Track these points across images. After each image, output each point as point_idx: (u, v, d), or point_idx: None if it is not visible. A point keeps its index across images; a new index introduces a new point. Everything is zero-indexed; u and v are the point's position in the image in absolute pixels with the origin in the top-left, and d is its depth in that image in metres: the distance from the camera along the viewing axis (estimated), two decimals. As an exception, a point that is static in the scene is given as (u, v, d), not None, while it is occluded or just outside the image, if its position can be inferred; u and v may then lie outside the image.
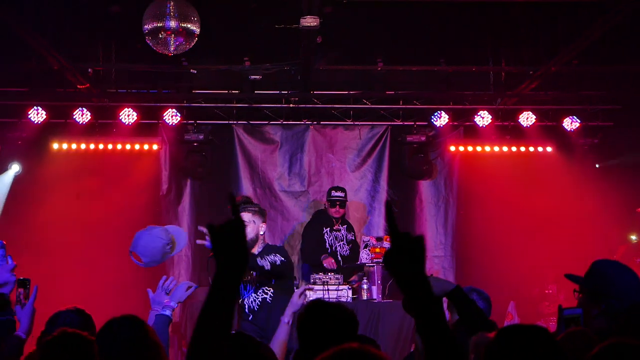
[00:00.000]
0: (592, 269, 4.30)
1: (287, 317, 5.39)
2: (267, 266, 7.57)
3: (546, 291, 12.31)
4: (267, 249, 7.90)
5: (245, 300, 7.39)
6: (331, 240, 11.39)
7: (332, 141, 12.92)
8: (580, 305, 4.21)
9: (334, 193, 11.52)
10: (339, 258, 11.26)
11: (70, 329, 3.61)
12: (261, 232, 7.51)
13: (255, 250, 7.51)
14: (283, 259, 7.90)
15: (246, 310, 7.36)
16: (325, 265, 10.70)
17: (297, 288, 9.54)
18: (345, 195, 11.60)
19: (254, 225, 7.48)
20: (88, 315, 4.61)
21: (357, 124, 12.84)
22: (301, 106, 12.51)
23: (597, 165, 12.88)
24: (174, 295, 5.95)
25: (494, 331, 3.78)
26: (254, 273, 7.61)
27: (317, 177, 12.83)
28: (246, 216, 7.47)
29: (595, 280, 4.24)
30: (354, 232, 11.70)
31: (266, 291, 7.42)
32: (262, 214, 7.66)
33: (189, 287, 6.14)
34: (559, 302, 11.63)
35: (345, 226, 11.58)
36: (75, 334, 3.55)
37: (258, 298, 7.42)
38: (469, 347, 3.79)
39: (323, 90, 12.07)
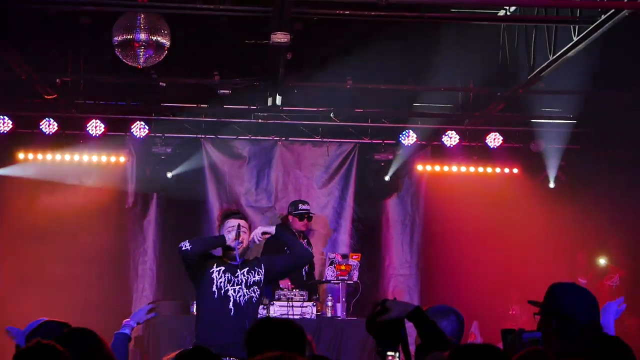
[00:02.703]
0: (549, 291, 4.41)
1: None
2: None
3: (510, 312, 12.37)
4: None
5: (231, 292, 7.27)
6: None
7: (300, 157, 12.94)
8: (539, 327, 4.31)
9: (301, 206, 11.50)
10: (303, 274, 11.23)
11: (45, 340, 3.60)
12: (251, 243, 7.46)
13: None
14: None
15: (230, 303, 7.24)
16: (280, 284, 10.57)
17: (264, 304, 9.58)
18: (310, 208, 11.62)
19: (247, 235, 7.42)
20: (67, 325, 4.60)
21: (326, 141, 12.86)
22: (270, 122, 12.51)
23: (551, 186, 12.94)
24: (135, 315, 6.11)
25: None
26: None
27: (284, 192, 12.82)
28: (245, 223, 7.41)
29: (551, 302, 4.34)
30: (312, 246, 11.71)
31: (255, 291, 7.35)
32: (250, 228, 7.62)
33: (150, 311, 6.22)
34: (522, 322, 11.69)
35: (305, 241, 11.58)
36: (49, 345, 3.54)
37: (247, 295, 7.34)
38: None
39: (292, 106, 12.08)
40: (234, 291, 7.20)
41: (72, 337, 3.90)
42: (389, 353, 3.55)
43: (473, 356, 2.97)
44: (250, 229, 7.47)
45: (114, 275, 12.34)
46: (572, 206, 12.19)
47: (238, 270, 7.22)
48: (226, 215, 7.45)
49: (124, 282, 12.49)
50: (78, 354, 3.71)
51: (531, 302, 4.45)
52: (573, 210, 12.15)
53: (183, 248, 7.09)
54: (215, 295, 7.14)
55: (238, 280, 7.21)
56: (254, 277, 7.29)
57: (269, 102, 11.64)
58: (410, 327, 3.80)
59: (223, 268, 7.18)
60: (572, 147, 12.69)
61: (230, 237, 7.17)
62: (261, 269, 7.31)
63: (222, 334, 7.00)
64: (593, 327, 4.20)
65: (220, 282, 7.20)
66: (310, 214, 11.53)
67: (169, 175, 12.46)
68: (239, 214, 7.55)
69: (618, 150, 12.16)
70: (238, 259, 7.22)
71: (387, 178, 12.80)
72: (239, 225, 7.23)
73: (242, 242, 7.24)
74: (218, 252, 7.30)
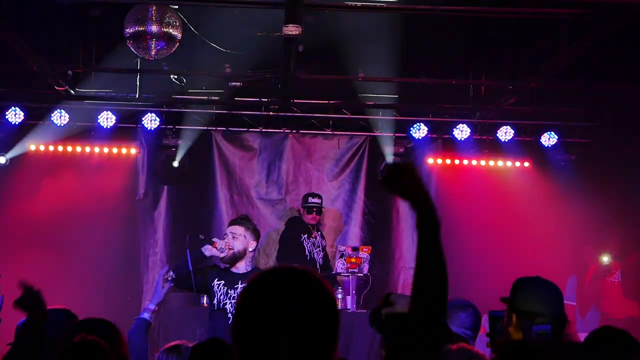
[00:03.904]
0: (512, 286, 4.43)
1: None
2: None
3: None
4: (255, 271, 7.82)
5: (229, 306, 7.32)
6: (309, 247, 11.40)
7: (311, 150, 12.94)
8: (505, 324, 4.33)
9: (310, 199, 11.54)
10: (317, 266, 11.28)
11: (89, 335, 3.60)
12: (250, 249, 7.46)
13: (242, 265, 7.44)
14: None
15: (229, 317, 7.29)
16: None
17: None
18: (322, 201, 11.64)
19: (243, 240, 7.44)
20: (74, 316, 4.62)
21: (336, 134, 12.86)
22: (281, 114, 12.50)
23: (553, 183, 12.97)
24: (153, 297, 6.04)
25: (456, 344, 3.83)
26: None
27: (295, 185, 12.83)
28: (239, 229, 7.45)
29: (512, 297, 4.37)
30: (325, 239, 11.76)
31: None
32: (255, 233, 7.60)
33: (164, 285, 6.18)
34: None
35: (319, 233, 11.62)
36: (95, 342, 3.56)
37: None
38: None
39: (303, 99, 12.07)
40: (232, 306, 7.25)
41: (90, 327, 3.90)
42: None
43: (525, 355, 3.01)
44: (252, 231, 7.51)
45: (125, 266, 12.38)
46: (583, 200, 12.15)
47: (240, 282, 7.27)
48: (231, 221, 7.64)
49: (134, 273, 12.52)
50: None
51: (503, 299, 4.47)
52: (583, 204, 12.11)
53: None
54: (215, 308, 7.27)
55: (236, 294, 7.26)
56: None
57: (280, 95, 11.63)
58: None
59: (223, 282, 7.27)
60: (583, 141, 12.66)
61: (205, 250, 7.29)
62: None
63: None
64: (554, 321, 4.21)
65: (220, 296, 7.28)
66: (321, 208, 11.56)
67: (175, 164, 12.41)
68: (240, 220, 7.60)
69: (630, 145, 12.11)
70: (222, 265, 7.33)
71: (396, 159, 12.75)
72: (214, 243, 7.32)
73: (218, 249, 7.32)
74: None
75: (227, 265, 7.41)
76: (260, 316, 2.30)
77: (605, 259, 12.40)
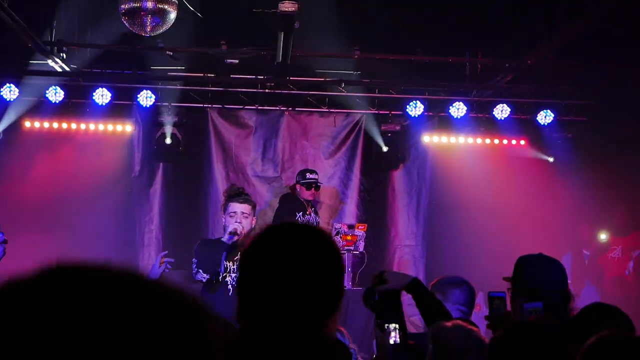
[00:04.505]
0: (515, 264, 4.47)
1: None
2: None
3: (515, 283, 12.37)
4: None
5: (229, 278, 7.33)
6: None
7: (307, 128, 12.92)
8: (511, 302, 4.36)
9: (309, 175, 11.53)
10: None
11: None
12: (253, 225, 7.48)
13: (225, 237, 7.45)
14: None
15: (229, 288, 7.31)
16: None
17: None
18: (318, 178, 11.66)
19: (250, 219, 7.45)
20: None
21: (332, 112, 12.84)
22: (276, 92, 12.47)
23: (550, 159, 13.00)
24: (149, 275, 6.00)
25: (450, 321, 3.84)
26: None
27: (291, 163, 12.82)
28: (247, 208, 7.43)
29: (516, 275, 4.40)
30: (319, 216, 11.77)
31: None
32: (255, 208, 7.64)
33: (161, 263, 6.15)
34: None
35: (313, 209, 11.63)
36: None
37: None
38: (428, 337, 3.83)
39: (299, 76, 12.04)
40: (232, 279, 7.27)
41: None
42: (389, 325, 3.54)
43: (528, 329, 3.02)
44: (254, 208, 7.52)
45: (121, 243, 12.36)
46: (578, 178, 12.17)
47: (239, 255, 7.28)
48: (230, 195, 7.49)
49: (130, 250, 12.52)
50: None
51: (505, 278, 4.49)
52: (579, 182, 12.13)
53: (198, 278, 7.18)
54: (213, 279, 7.27)
55: (235, 267, 7.28)
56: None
57: (276, 72, 11.60)
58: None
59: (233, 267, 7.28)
60: (579, 119, 12.66)
61: (225, 234, 7.27)
62: None
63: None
64: (559, 296, 4.25)
65: (230, 280, 7.30)
66: (319, 184, 11.56)
67: (168, 141, 12.35)
68: (242, 195, 7.54)
69: (625, 123, 12.11)
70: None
71: (386, 149, 12.73)
72: (237, 218, 7.30)
73: (238, 234, 7.29)
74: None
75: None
76: (263, 268, 2.30)
77: (603, 236, 12.43)
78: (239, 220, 7.34)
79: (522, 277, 4.37)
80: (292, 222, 2.72)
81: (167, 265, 6.52)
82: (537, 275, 4.33)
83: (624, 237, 12.56)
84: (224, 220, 7.47)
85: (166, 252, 6.90)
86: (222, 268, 7.27)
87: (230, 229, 7.27)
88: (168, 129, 12.27)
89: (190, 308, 1.18)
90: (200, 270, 7.25)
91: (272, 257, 2.32)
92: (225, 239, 7.29)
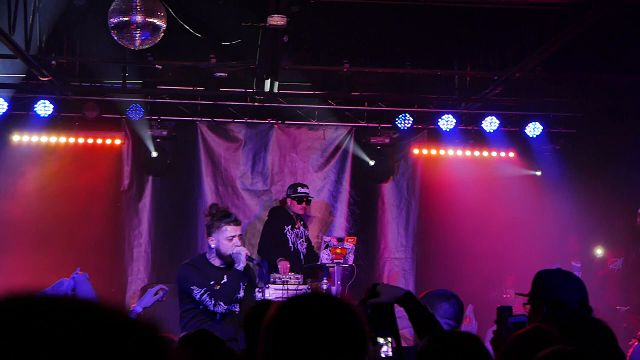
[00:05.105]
0: (536, 278, 4.50)
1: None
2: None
3: (504, 295, 12.39)
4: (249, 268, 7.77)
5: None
6: (293, 238, 11.39)
7: (296, 141, 12.92)
8: (530, 316, 4.38)
9: (300, 189, 11.53)
10: (301, 257, 11.30)
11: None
12: None
13: (241, 266, 7.38)
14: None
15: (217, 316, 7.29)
16: (279, 267, 10.59)
17: (259, 288, 9.58)
18: (309, 191, 11.66)
19: (241, 239, 7.46)
20: None
21: (322, 125, 12.85)
22: (266, 105, 12.48)
23: (538, 173, 13.05)
24: (142, 300, 5.98)
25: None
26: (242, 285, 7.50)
27: (280, 176, 12.81)
28: (240, 229, 7.42)
29: (540, 288, 4.43)
30: (307, 229, 11.77)
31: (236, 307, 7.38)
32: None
33: (158, 292, 6.12)
34: (516, 306, 11.69)
35: (302, 223, 11.63)
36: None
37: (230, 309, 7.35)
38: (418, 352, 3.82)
39: (288, 89, 12.05)
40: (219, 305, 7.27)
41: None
42: (380, 339, 3.53)
43: (451, 343, 3.03)
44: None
45: (109, 257, 12.33)
46: (566, 190, 12.21)
47: (224, 277, 7.29)
48: (221, 217, 7.38)
49: (119, 265, 12.48)
50: None
51: (519, 294, 4.51)
52: (567, 194, 12.17)
53: (219, 310, 7.14)
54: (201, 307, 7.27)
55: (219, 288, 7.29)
56: (239, 293, 7.35)
57: (266, 86, 11.61)
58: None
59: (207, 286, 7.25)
60: (567, 132, 12.71)
61: (241, 265, 7.24)
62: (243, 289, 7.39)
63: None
64: (584, 309, 4.28)
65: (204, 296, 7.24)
66: (310, 198, 11.57)
67: (154, 154, 12.34)
68: (232, 215, 7.48)
69: (613, 135, 12.16)
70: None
71: (375, 162, 12.76)
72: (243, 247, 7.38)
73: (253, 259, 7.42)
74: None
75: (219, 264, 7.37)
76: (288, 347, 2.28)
77: (599, 251, 12.42)
78: (238, 243, 7.32)
79: (545, 289, 4.40)
80: (316, 294, 2.72)
81: (163, 294, 6.47)
82: (562, 288, 4.38)
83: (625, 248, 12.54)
84: (215, 242, 7.34)
85: (162, 288, 6.78)
86: (236, 296, 7.25)
87: (242, 258, 7.23)
88: (151, 143, 12.24)
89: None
90: (221, 303, 7.16)
91: (297, 336, 2.30)
92: (239, 267, 7.25)
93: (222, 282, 7.23)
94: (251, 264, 7.72)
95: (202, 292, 7.11)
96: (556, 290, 4.37)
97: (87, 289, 5.30)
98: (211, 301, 7.11)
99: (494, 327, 4.41)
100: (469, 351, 3.04)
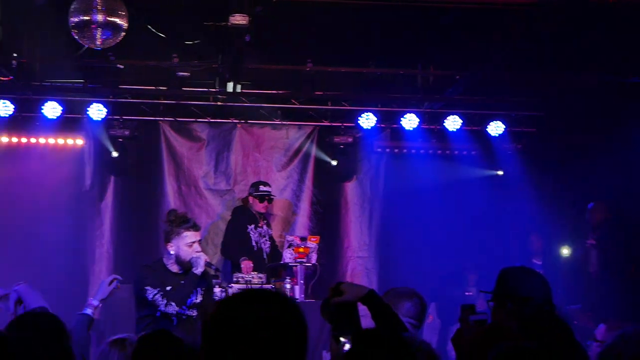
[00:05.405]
0: (500, 275, 4.55)
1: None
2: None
3: (467, 293, 12.46)
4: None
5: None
6: (256, 237, 11.39)
7: (259, 140, 12.90)
8: (493, 313, 4.41)
9: (262, 188, 11.54)
10: (264, 256, 11.29)
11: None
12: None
13: (199, 270, 7.36)
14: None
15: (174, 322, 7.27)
16: (242, 266, 10.59)
17: (220, 287, 9.56)
18: (271, 190, 11.66)
19: (200, 245, 7.45)
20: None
21: (285, 124, 12.84)
22: (229, 104, 12.44)
23: (500, 173, 13.15)
24: (98, 292, 5.94)
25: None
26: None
27: (244, 175, 12.78)
28: (199, 234, 7.43)
29: (504, 285, 4.47)
30: (271, 228, 11.77)
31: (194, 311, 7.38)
32: None
33: (112, 281, 6.09)
34: (478, 304, 11.74)
35: (265, 222, 11.63)
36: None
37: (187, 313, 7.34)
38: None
39: (251, 89, 12.02)
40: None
41: (33, 321, 3.82)
42: (343, 339, 3.53)
43: (375, 341, 3.06)
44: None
45: (71, 258, 12.23)
46: (527, 189, 12.29)
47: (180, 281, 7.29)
48: (181, 222, 7.37)
49: (81, 266, 12.39)
50: (37, 339, 3.63)
51: (483, 291, 4.54)
52: (528, 193, 12.26)
53: (169, 311, 7.19)
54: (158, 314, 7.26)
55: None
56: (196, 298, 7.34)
57: (228, 85, 11.58)
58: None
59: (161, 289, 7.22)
60: (529, 130, 12.79)
61: (199, 269, 7.24)
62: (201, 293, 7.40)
63: None
64: (548, 305, 4.33)
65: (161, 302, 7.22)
66: (271, 196, 11.57)
67: (114, 154, 12.26)
68: (191, 221, 7.47)
69: (575, 134, 12.25)
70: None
71: (338, 161, 12.79)
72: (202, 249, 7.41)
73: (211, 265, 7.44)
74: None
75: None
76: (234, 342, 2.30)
77: (565, 251, 12.48)
78: (199, 249, 7.32)
79: (509, 286, 4.43)
80: (255, 290, 2.72)
81: (117, 282, 6.43)
82: (525, 284, 4.41)
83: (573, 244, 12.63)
84: (174, 248, 7.33)
85: (114, 278, 6.75)
86: (192, 300, 7.25)
87: (201, 262, 7.25)
88: (108, 143, 12.16)
89: None
90: (173, 303, 7.15)
91: (237, 334, 2.32)
92: (197, 271, 7.25)
93: (178, 287, 7.24)
94: (210, 270, 7.71)
95: (156, 292, 7.13)
96: (520, 285, 4.41)
97: (36, 298, 5.26)
98: (163, 301, 7.13)
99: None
100: (393, 349, 3.06)
